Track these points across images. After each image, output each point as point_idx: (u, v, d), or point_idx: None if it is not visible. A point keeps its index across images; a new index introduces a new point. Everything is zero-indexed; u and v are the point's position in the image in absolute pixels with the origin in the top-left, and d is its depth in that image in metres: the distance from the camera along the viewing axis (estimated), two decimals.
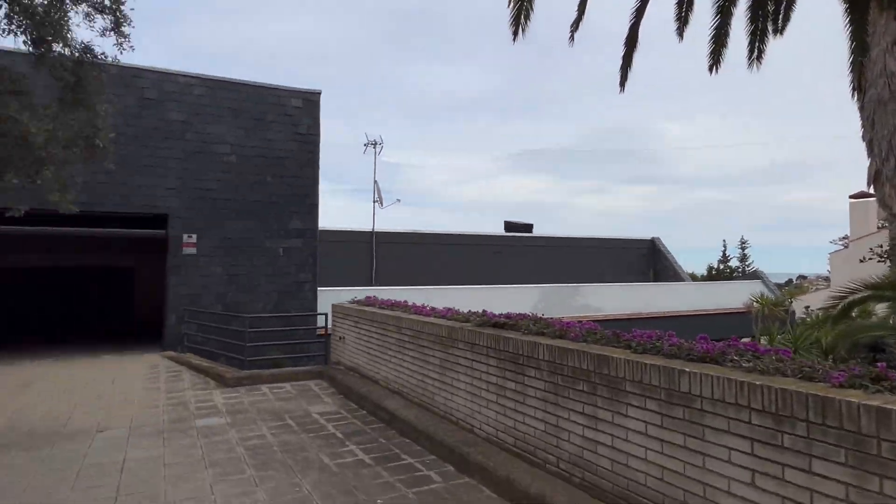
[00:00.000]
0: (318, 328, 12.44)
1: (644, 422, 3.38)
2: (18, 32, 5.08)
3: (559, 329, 4.52)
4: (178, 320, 11.08)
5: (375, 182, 19.51)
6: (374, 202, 19.58)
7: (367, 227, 18.98)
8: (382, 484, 4.68)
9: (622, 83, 7.57)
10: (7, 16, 4.96)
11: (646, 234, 25.51)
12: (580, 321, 4.83)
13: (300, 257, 12.24)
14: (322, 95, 12.63)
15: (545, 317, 5.14)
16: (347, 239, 18.45)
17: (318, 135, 12.57)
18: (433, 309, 7.07)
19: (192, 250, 11.25)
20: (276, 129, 12.08)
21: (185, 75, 11.45)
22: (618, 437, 3.57)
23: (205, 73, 11.63)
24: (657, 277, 23.99)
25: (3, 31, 5.23)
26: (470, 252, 20.90)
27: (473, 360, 5.23)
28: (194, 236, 11.28)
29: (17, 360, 10.45)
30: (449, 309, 6.70)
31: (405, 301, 8.21)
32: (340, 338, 9.12)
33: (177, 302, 11.11)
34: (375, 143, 19.49)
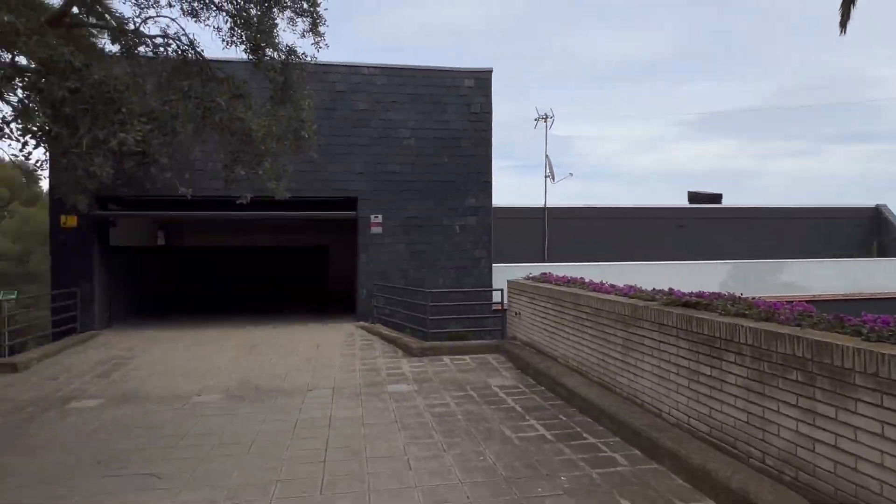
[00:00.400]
0: (494, 303, 12.75)
1: (881, 422, 2.88)
2: (238, 43, 5.92)
3: (765, 311, 4.04)
4: (368, 294, 12.14)
5: (547, 157, 19.25)
6: (545, 177, 19.34)
7: (537, 203, 18.85)
8: (565, 461, 4.66)
9: (843, 23, 6.41)
10: (230, 29, 5.82)
11: (866, 202, 21.69)
12: (787, 301, 4.27)
13: (475, 234, 12.60)
14: (493, 73, 12.73)
15: (742, 296, 4.64)
16: (518, 215, 18.51)
17: (490, 112, 12.72)
18: (612, 286, 6.79)
19: (379, 230, 12.19)
20: (451, 111, 12.47)
21: (368, 66, 12.32)
22: (843, 437, 3.10)
23: (384, 63, 12.40)
24: (883, 252, 20.32)
25: (226, 42, 6.11)
26: (649, 226, 19.69)
27: (661, 342, 4.93)
28: (380, 216, 12.20)
29: (243, 326, 12.34)
30: (630, 286, 6.38)
31: (581, 278, 8.01)
32: (516, 313, 9.22)
33: (366, 277, 12.18)
34: (546, 118, 19.16)
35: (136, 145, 4.06)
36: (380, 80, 12.33)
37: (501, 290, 9.75)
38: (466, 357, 9.13)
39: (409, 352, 9.30)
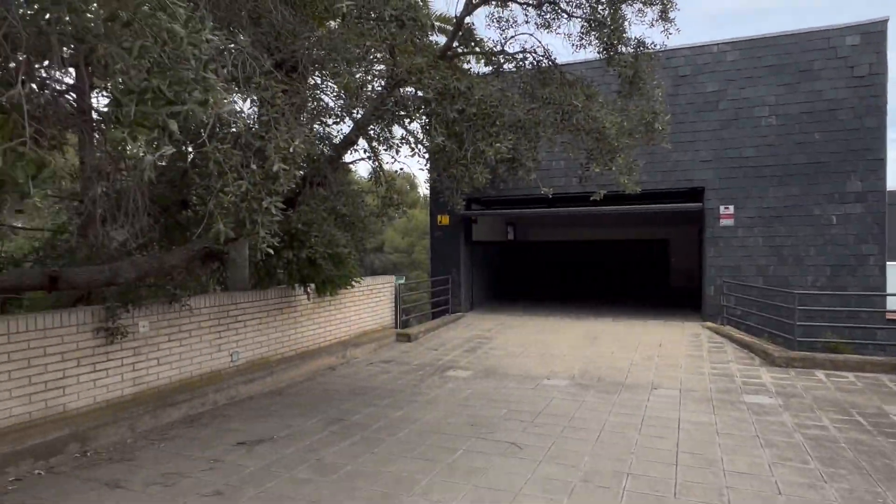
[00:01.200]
0: (889, 312, 10.21)
1: None
2: (587, 45, 6.15)
3: None
4: (717, 292, 11.12)
5: None
6: None
7: None
8: None
9: None
10: (580, 34, 6.10)
11: None
12: None
13: (860, 225, 10.25)
14: (889, 23, 10.10)
15: None
16: None
17: (884, 74, 10.14)
18: None
19: (729, 222, 11.04)
20: (826, 78, 10.40)
21: (716, 44, 11.24)
22: None
23: (737, 37, 11.11)
24: None
25: (575, 46, 6.41)
26: None
27: None
28: (731, 207, 11.03)
29: (583, 317, 12.78)
30: None
31: None
32: None
33: (714, 274, 11.18)
34: None
35: (507, 153, 4.65)
36: (731, 57, 11.12)
37: None
38: (848, 374, 7.54)
39: (769, 360, 8.19)
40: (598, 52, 6.19)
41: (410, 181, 41.17)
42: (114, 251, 6.32)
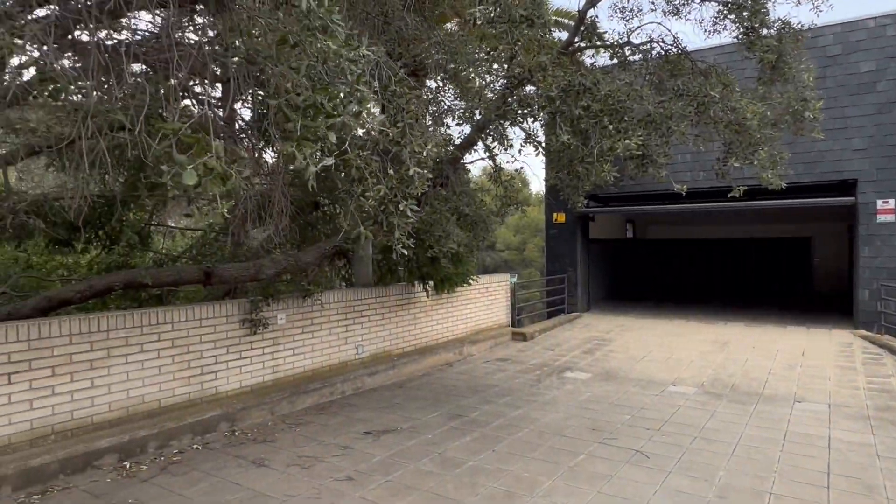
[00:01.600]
0: None
1: None
2: (721, 30, 5.71)
3: None
4: (872, 296, 9.89)
5: None
6: None
7: None
8: None
9: None
10: (715, 17, 5.69)
11: None
12: None
13: None
14: None
15: None
16: None
17: None
18: None
19: (890, 217, 9.76)
20: None
21: (873, 18, 9.97)
22: None
23: None
24: None
25: (708, 32, 5.99)
26: None
27: None
28: (891, 201, 9.74)
29: (712, 321, 11.95)
30: None
31: None
32: None
33: (870, 276, 9.94)
34: None
35: (637, 149, 4.46)
36: (892, 31, 9.82)
37: None
38: None
39: None
40: (736, 37, 5.71)
41: (522, 179, 40.92)
42: (256, 250, 6.93)
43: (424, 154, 2.97)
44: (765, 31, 5.48)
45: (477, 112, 5.11)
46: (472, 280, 8.60)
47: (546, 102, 4.57)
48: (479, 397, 6.70)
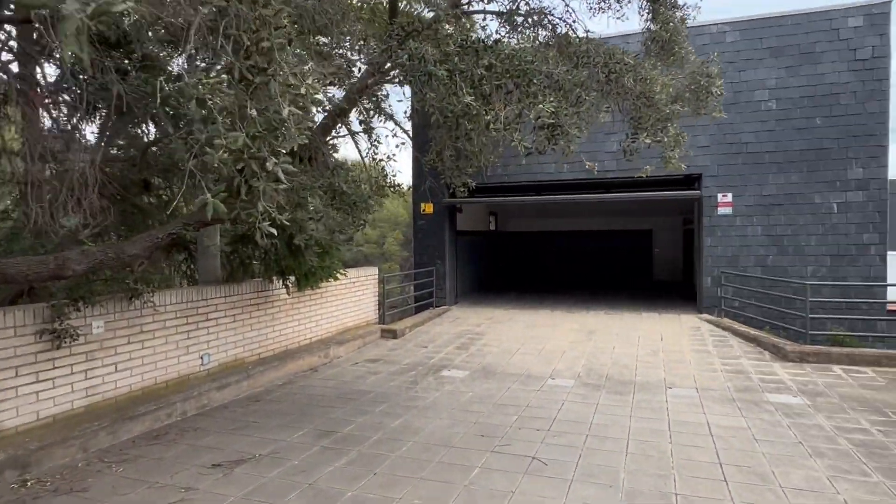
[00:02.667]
0: (889, 303, 9.97)
1: None
2: (605, 9, 5.51)
3: None
4: (714, 283, 10.71)
5: None
6: None
7: None
8: None
9: None
10: None
11: None
12: None
13: (862, 214, 9.94)
14: (894, 4, 9.78)
15: None
16: None
17: (887, 57, 9.82)
18: None
19: (728, 210, 10.63)
20: (828, 60, 10.03)
21: (715, 24, 10.77)
22: None
23: (738, 17, 10.65)
24: None
25: (594, 10, 5.75)
26: None
27: None
28: (729, 195, 10.62)
29: (574, 309, 12.26)
30: None
31: None
32: None
33: (711, 264, 10.75)
34: None
35: (549, 117, 3.98)
36: (730, 38, 10.66)
37: None
38: (866, 369, 7.16)
39: (780, 355, 7.77)
40: (639, 11, 5.55)
41: (383, 174, 40.18)
42: (63, 240, 5.41)
43: (303, 90, 2.12)
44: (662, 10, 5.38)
45: (357, 65, 4.29)
46: (340, 274, 7.72)
47: (443, 57, 3.90)
48: (351, 407, 5.89)
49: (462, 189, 8.46)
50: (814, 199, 10.22)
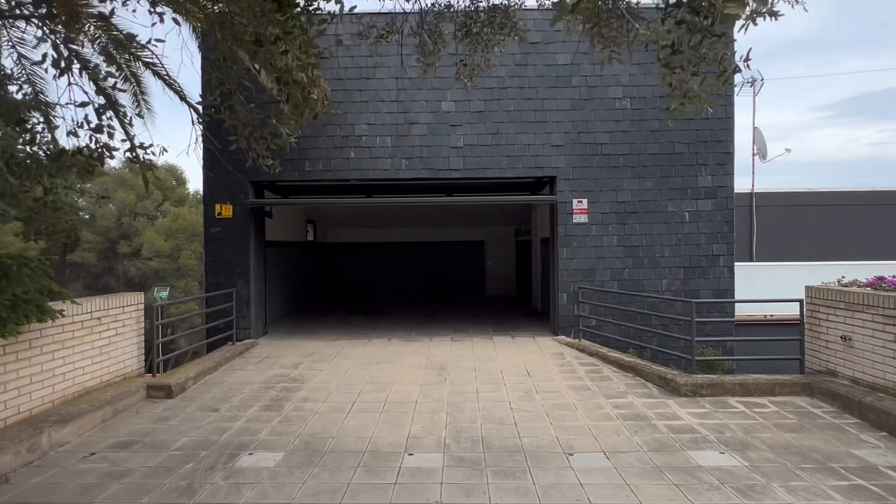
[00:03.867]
0: (735, 318, 9.60)
1: None
2: None
3: None
4: (570, 299, 9.47)
5: (756, 129, 15.41)
6: (752, 155, 15.54)
7: (742, 188, 15.13)
8: None
9: None
10: None
11: None
12: None
13: (712, 223, 9.47)
14: None
15: None
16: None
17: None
18: None
19: (583, 217, 9.51)
20: None
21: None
22: None
23: None
24: None
25: None
26: (875, 214, 15.27)
27: None
28: (584, 201, 9.51)
29: (414, 336, 10.20)
30: None
31: None
32: (844, 338, 6.11)
33: (567, 278, 9.51)
34: (754, 82, 15.29)
35: None
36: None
37: (801, 302, 6.65)
38: (765, 401, 6.16)
39: (671, 388, 6.51)
40: None
41: (178, 176, 34.59)
42: None
43: None
44: None
45: None
46: (61, 311, 4.62)
47: None
48: None
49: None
50: (667, 207, 9.54)
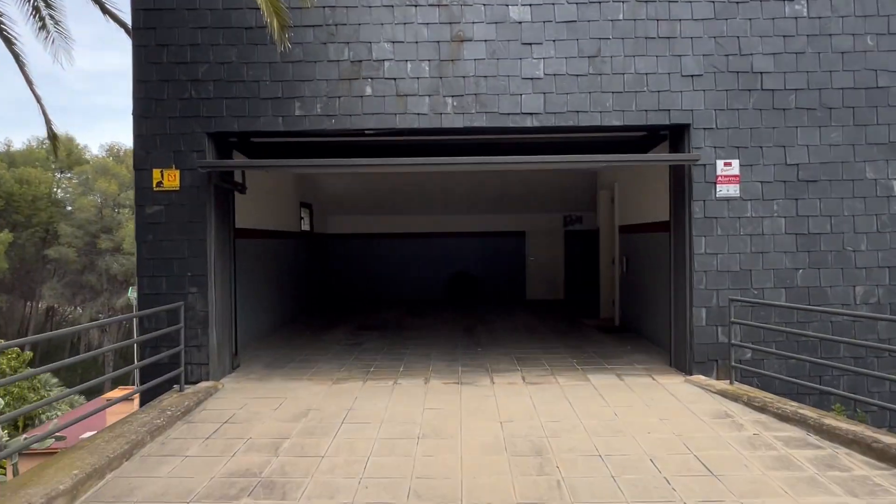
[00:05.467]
0: None
1: None
2: None
3: None
4: (712, 318, 6.04)
5: None
6: None
7: None
8: None
9: None
10: None
11: None
12: None
13: None
14: None
15: None
16: None
17: None
18: None
19: (733, 189, 6.07)
20: None
21: None
22: None
23: None
24: None
25: None
26: None
27: None
28: (734, 163, 6.09)
29: (465, 372, 6.75)
30: None
31: None
32: None
33: (708, 285, 6.07)
34: None
35: None
36: None
37: None
38: None
39: None
40: None
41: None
42: None
43: None
44: None
45: None
46: None
47: None
48: None
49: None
50: (865, 172, 6.10)
